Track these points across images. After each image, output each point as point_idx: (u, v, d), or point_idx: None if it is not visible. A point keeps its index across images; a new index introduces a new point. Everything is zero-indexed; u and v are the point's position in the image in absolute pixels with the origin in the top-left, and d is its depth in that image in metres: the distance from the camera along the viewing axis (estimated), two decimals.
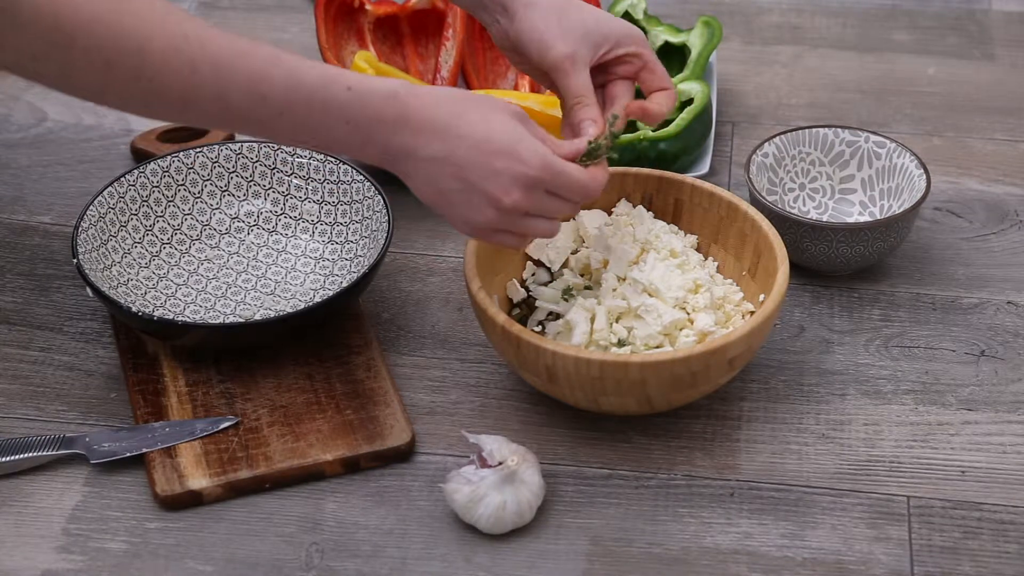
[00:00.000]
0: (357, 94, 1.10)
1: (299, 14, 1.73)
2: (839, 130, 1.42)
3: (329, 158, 1.37)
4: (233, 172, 1.38)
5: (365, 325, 1.31)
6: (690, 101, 1.48)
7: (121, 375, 1.29)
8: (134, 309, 1.25)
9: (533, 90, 1.54)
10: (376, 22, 1.57)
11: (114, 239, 1.33)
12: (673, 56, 1.57)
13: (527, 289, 1.30)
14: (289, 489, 1.20)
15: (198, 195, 1.38)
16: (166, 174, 1.36)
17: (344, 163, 1.36)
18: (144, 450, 1.21)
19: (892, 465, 1.22)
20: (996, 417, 1.25)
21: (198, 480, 1.18)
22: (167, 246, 1.36)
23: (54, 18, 1.02)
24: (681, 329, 1.22)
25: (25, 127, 1.56)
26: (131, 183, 1.35)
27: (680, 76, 1.50)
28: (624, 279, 1.26)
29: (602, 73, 1.23)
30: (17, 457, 1.20)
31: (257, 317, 1.31)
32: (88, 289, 1.25)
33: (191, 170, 1.37)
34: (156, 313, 1.30)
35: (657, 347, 1.21)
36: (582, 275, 1.29)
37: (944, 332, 1.33)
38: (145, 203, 1.35)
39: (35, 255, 1.41)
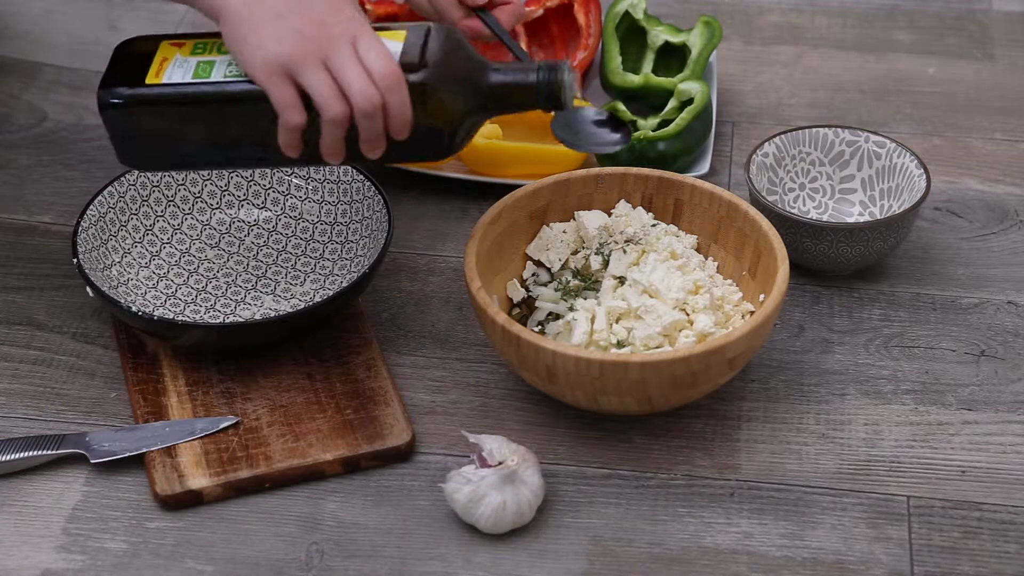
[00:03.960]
0: None
1: None
2: (839, 130, 1.42)
3: None
4: (233, 172, 1.38)
5: (365, 325, 1.31)
6: (690, 101, 1.48)
7: (121, 375, 1.29)
8: (134, 309, 1.25)
9: None
10: (376, 21, 1.57)
11: (114, 239, 1.33)
12: (673, 56, 1.57)
13: (527, 289, 1.30)
14: (289, 489, 1.20)
15: (198, 195, 1.38)
16: (166, 174, 1.36)
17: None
18: (144, 450, 1.21)
19: (892, 465, 1.22)
20: (996, 417, 1.26)
21: (198, 480, 1.19)
22: (167, 246, 1.36)
23: None
24: (681, 330, 1.22)
25: (25, 127, 1.56)
26: (131, 183, 1.35)
27: (680, 76, 1.50)
28: (624, 280, 1.26)
29: None
30: (17, 457, 1.20)
31: (257, 317, 1.31)
32: (88, 289, 1.25)
33: None
34: (156, 313, 1.30)
35: (657, 348, 1.21)
36: (582, 276, 1.29)
37: (944, 332, 1.33)
38: (145, 203, 1.35)
39: (35, 255, 1.41)
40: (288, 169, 1.37)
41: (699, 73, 1.51)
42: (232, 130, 1.16)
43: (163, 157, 1.20)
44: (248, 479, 1.19)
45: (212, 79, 1.15)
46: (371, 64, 1.11)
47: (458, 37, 1.18)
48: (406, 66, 1.13)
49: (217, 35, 1.18)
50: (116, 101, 1.16)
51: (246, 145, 1.18)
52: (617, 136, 1.24)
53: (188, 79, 1.15)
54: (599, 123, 1.25)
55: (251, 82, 1.14)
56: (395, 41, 1.16)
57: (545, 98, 1.17)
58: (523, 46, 1.57)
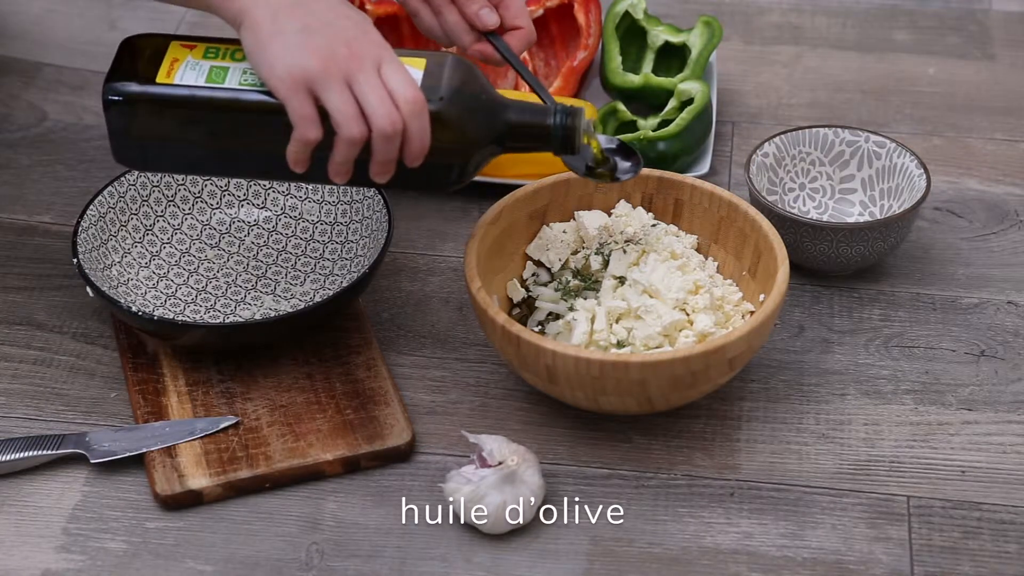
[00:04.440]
0: None
1: None
2: (839, 130, 1.42)
3: None
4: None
5: (365, 325, 1.31)
6: (690, 101, 1.48)
7: (121, 375, 1.29)
8: (134, 309, 1.25)
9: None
10: (376, 22, 1.57)
11: (114, 239, 1.33)
12: (673, 56, 1.57)
13: (527, 289, 1.30)
14: (289, 489, 1.20)
15: (198, 195, 1.38)
16: (166, 174, 1.36)
17: None
18: (144, 450, 1.21)
19: (892, 465, 1.22)
20: (996, 417, 1.26)
21: (198, 480, 1.19)
22: (167, 246, 1.36)
23: None
24: (681, 330, 1.22)
25: (25, 126, 1.56)
26: (131, 183, 1.35)
27: (680, 76, 1.50)
28: (624, 280, 1.26)
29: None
30: (17, 457, 1.20)
31: (257, 317, 1.31)
32: (88, 289, 1.25)
33: None
34: (156, 313, 1.30)
35: (657, 348, 1.21)
36: (582, 276, 1.29)
37: (944, 332, 1.33)
38: (145, 203, 1.35)
39: (35, 255, 1.41)
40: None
41: (699, 73, 1.51)
42: (241, 139, 1.16)
43: (161, 158, 1.20)
44: (248, 479, 1.19)
45: (227, 85, 1.15)
46: (395, 88, 1.11)
47: (477, 72, 1.18)
48: (426, 94, 1.13)
49: (228, 41, 1.17)
50: (123, 98, 1.16)
51: (251, 155, 1.18)
52: (628, 164, 1.24)
53: (201, 83, 1.15)
54: (610, 151, 1.25)
55: (267, 93, 1.13)
56: (415, 68, 1.15)
57: (560, 143, 1.18)
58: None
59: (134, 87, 1.16)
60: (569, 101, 1.49)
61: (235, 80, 1.15)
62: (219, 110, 1.15)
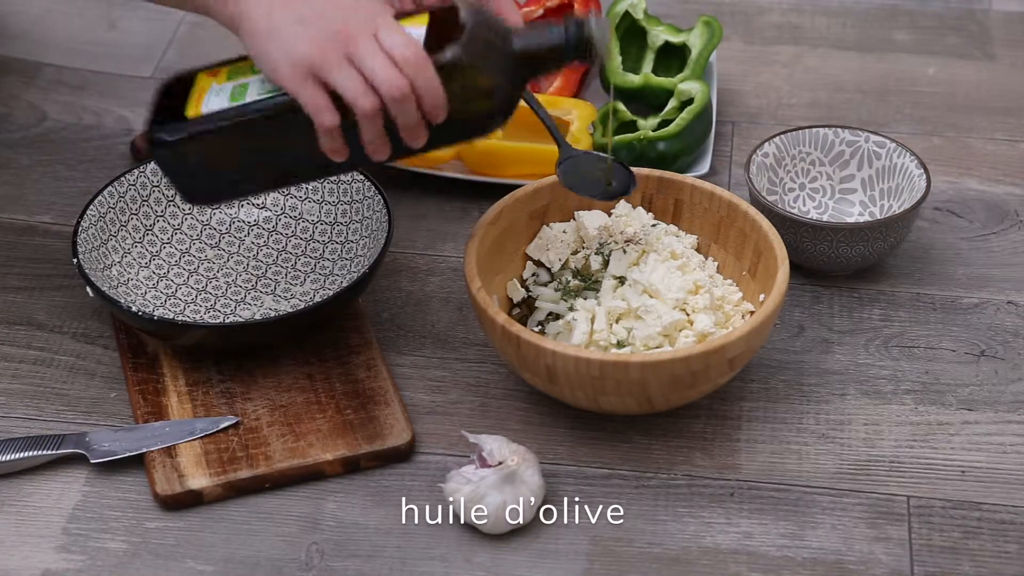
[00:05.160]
0: None
1: None
2: (839, 130, 1.42)
3: None
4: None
5: (365, 325, 1.31)
6: (690, 101, 1.48)
7: (121, 375, 1.29)
8: (134, 309, 1.25)
9: (533, 90, 1.54)
10: None
11: (114, 239, 1.33)
12: (673, 56, 1.57)
13: (527, 289, 1.30)
14: (289, 489, 1.20)
15: None
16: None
17: None
18: (144, 450, 1.21)
19: (892, 465, 1.22)
20: (996, 417, 1.26)
21: (198, 480, 1.19)
22: (167, 246, 1.36)
23: None
24: (681, 330, 1.22)
25: (25, 126, 1.56)
26: (131, 183, 1.35)
27: (680, 76, 1.50)
28: (624, 280, 1.26)
29: None
30: (17, 457, 1.20)
31: (257, 317, 1.31)
32: (88, 289, 1.25)
33: None
34: (156, 313, 1.30)
35: (657, 348, 1.21)
36: (582, 276, 1.29)
37: (944, 332, 1.33)
38: (145, 203, 1.35)
39: (35, 255, 1.41)
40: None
41: (699, 73, 1.51)
42: (275, 146, 1.15)
43: (220, 187, 1.19)
44: (248, 479, 1.19)
45: (248, 100, 1.14)
46: (393, 51, 1.11)
47: (483, 12, 1.15)
48: (432, 48, 1.12)
49: (247, 57, 1.17)
50: (162, 143, 1.15)
51: (294, 159, 1.17)
52: (626, 182, 1.24)
53: (226, 105, 1.14)
54: (605, 169, 1.25)
55: (284, 94, 1.13)
56: (419, 26, 1.15)
57: (575, 53, 1.15)
58: None
59: (165, 128, 1.15)
60: (569, 102, 1.49)
61: (255, 92, 1.15)
62: (245, 125, 1.14)
